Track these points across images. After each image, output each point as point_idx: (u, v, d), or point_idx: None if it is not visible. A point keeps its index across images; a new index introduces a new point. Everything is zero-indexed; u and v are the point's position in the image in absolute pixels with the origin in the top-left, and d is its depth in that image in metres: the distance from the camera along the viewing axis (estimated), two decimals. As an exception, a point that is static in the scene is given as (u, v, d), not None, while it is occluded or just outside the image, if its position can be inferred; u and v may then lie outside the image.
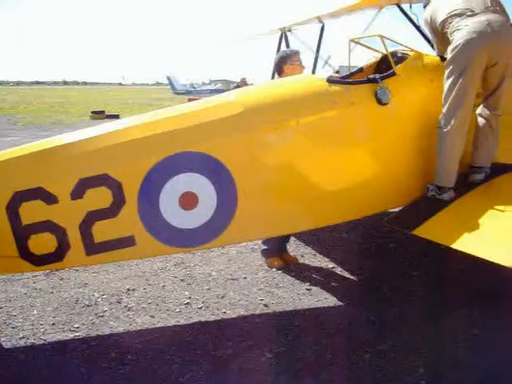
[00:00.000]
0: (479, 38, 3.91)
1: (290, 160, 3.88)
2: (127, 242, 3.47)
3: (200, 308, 4.53)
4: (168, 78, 55.72)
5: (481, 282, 4.66)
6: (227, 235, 3.72)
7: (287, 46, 7.66)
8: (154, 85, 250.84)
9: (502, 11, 4.16)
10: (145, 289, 4.95)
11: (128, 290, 4.91)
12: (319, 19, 7.18)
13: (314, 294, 4.83)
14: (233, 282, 5.12)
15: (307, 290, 4.92)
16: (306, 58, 7.14)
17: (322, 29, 7.30)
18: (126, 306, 4.56)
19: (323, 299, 4.71)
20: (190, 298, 4.75)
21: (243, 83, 15.62)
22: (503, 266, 3.18)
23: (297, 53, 5.45)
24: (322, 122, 3.94)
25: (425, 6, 4.60)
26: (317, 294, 4.83)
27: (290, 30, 7.72)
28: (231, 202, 3.67)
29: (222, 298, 4.75)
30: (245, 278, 5.24)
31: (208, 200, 3.59)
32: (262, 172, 3.81)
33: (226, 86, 45.01)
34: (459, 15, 4.10)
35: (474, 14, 4.03)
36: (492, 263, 3.23)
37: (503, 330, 3.97)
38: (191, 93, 49.47)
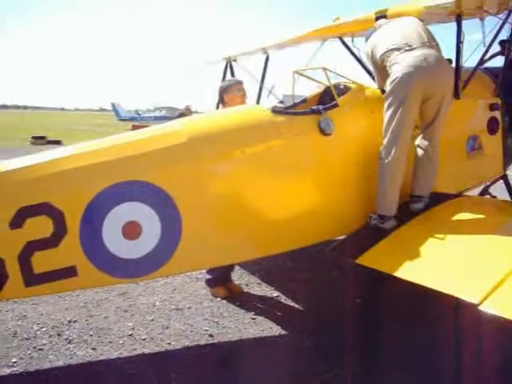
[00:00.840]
0: (415, 72, 4.04)
1: (236, 190, 3.89)
2: (69, 272, 3.38)
3: (144, 339, 4.45)
4: (112, 104, 55.05)
5: (422, 308, 4.74)
6: (172, 265, 3.67)
7: (232, 75, 7.74)
8: (97, 110, 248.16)
9: (437, 46, 4.34)
10: (86, 320, 4.82)
11: (69, 321, 4.77)
12: (264, 50, 7.30)
13: (259, 323, 4.81)
14: (177, 312, 5.05)
15: (252, 319, 4.90)
16: (251, 88, 7.26)
17: (267, 59, 7.41)
18: (66, 339, 4.42)
19: (268, 328, 4.70)
20: (133, 329, 4.65)
21: (187, 111, 15.69)
22: (444, 293, 3.25)
23: (238, 83, 5.51)
24: (267, 152, 3.98)
25: (366, 40, 4.74)
26: (262, 323, 4.81)
27: (235, 60, 7.81)
28: (176, 231, 3.63)
29: (167, 328, 4.68)
30: (189, 307, 5.17)
31: (152, 229, 3.54)
32: (208, 202, 3.79)
33: (171, 113, 44.87)
34: (397, 49, 4.24)
35: (411, 49, 4.17)
36: (433, 290, 3.30)
37: (444, 355, 4.05)
38: (136, 119, 49.03)
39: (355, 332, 4.46)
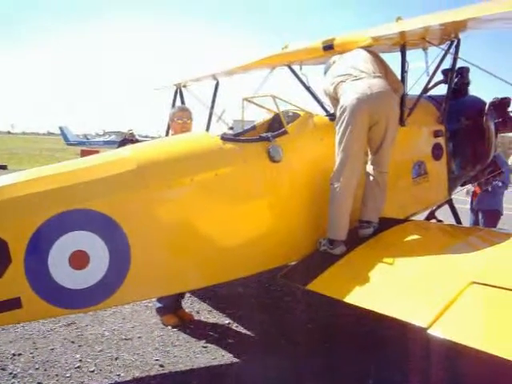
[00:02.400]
0: (360, 100, 4.20)
1: (185, 217, 3.87)
2: (13, 304, 3.28)
3: (92, 371, 4.33)
4: (60, 129, 54.05)
5: (372, 332, 4.79)
6: (121, 294, 3.61)
7: (182, 101, 7.74)
8: (45, 134, 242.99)
9: (385, 76, 4.50)
10: (32, 353, 4.66)
11: (13, 354, 4.60)
12: (214, 77, 7.34)
13: (211, 351, 4.76)
14: (127, 342, 4.94)
15: (203, 347, 4.84)
16: (202, 114, 7.28)
17: (217, 86, 7.45)
18: (10, 373, 4.26)
19: (220, 357, 4.65)
20: (81, 360, 4.52)
21: (130, 136, 15.52)
22: (393, 318, 3.29)
23: (180, 110, 5.54)
24: (216, 179, 3.97)
25: (325, 73, 4.90)
26: (213, 351, 4.76)
27: (185, 86, 7.82)
28: (125, 260, 3.57)
29: (116, 359, 4.57)
30: (139, 337, 5.08)
31: (100, 259, 3.48)
32: (157, 229, 3.75)
33: (121, 137, 44.51)
34: (345, 80, 4.44)
35: (357, 79, 4.36)
36: (382, 315, 3.34)
37: (396, 378, 4.10)
38: (84, 144, 48.34)
39: (308, 358, 4.48)
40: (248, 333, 5.23)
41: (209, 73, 7.33)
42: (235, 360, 4.59)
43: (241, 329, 5.32)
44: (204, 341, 4.98)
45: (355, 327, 5.00)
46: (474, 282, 3.36)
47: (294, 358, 4.52)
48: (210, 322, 5.54)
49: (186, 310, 5.71)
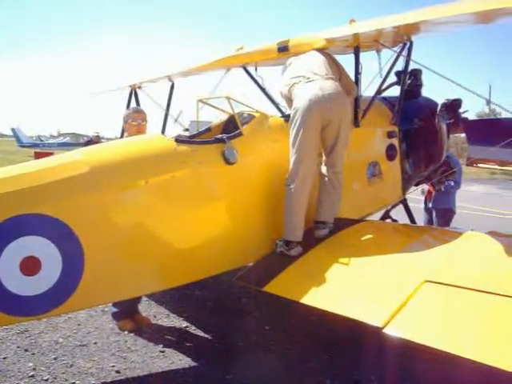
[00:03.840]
0: (312, 102, 4.25)
1: (140, 220, 3.81)
2: (-40, 312, 3.18)
3: (46, 380, 4.22)
4: (13, 130, 52.72)
5: (331, 333, 4.82)
6: (75, 300, 3.52)
7: (137, 102, 7.67)
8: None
9: (339, 79, 4.57)
10: (-17, 363, 4.51)
11: (-37, 365, 4.45)
12: (169, 78, 7.29)
13: (168, 355, 4.70)
14: (82, 349, 4.83)
15: (161, 352, 4.78)
16: (157, 115, 7.22)
17: (172, 87, 7.40)
18: (-40, 385, 4.12)
19: (178, 361, 4.60)
20: (34, 369, 4.40)
21: (96, 138, 15.23)
22: (350, 318, 3.32)
23: (135, 112, 5.47)
24: (171, 181, 3.94)
25: (282, 74, 4.94)
26: (171, 355, 4.71)
27: (139, 87, 7.74)
28: (78, 265, 3.50)
29: (71, 366, 4.46)
30: (95, 343, 4.97)
31: (52, 264, 3.39)
32: (111, 233, 3.69)
33: (76, 139, 43.75)
34: (299, 82, 4.50)
35: (310, 81, 4.42)
36: (339, 315, 3.37)
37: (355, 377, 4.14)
38: (38, 146, 47.24)
39: (267, 359, 4.48)
40: (206, 336, 5.19)
41: (164, 74, 7.28)
42: (193, 364, 4.55)
43: (199, 332, 5.28)
44: (161, 345, 4.92)
45: (315, 328, 5.02)
46: (428, 281, 3.42)
47: (252, 360, 4.51)
48: (168, 325, 5.48)
49: (143, 315, 5.63)
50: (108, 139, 19.15)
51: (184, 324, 5.49)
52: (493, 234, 4.08)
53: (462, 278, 3.40)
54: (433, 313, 3.29)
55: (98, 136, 15.09)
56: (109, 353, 4.75)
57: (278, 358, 4.55)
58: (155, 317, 5.70)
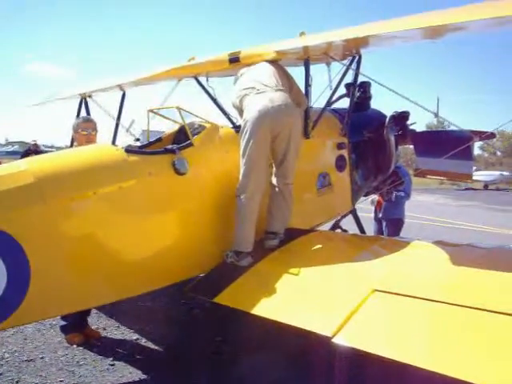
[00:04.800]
0: (262, 113, 4.29)
1: (88, 231, 3.76)
2: None
3: (-11, 398, 4.10)
4: (-43, 137, 51.10)
5: (284, 342, 4.82)
6: (21, 314, 3.44)
7: (87, 111, 7.55)
8: None
9: (289, 90, 4.62)
10: None
11: None
12: (120, 87, 7.21)
13: (118, 369, 4.64)
14: (29, 364, 4.72)
15: (111, 365, 4.71)
16: (107, 125, 7.13)
17: (123, 96, 7.33)
18: None
19: (128, 374, 4.55)
20: (-24, 387, 4.27)
21: (34, 146, 14.93)
22: (303, 329, 3.34)
23: (85, 121, 5.43)
24: (120, 192, 3.90)
25: (234, 85, 4.96)
26: (121, 369, 4.65)
27: (90, 96, 7.63)
28: (24, 277, 3.42)
29: (17, 382, 4.36)
30: (42, 358, 4.87)
31: (-4, 277, 3.30)
32: (58, 245, 3.62)
33: (24, 147, 42.71)
34: (249, 93, 4.53)
35: (260, 92, 4.46)
36: (292, 326, 3.38)
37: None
38: (-16, 154, 45.91)
39: (219, 370, 4.46)
40: (157, 348, 5.15)
41: (115, 83, 7.19)
42: (144, 377, 4.50)
43: (150, 344, 5.22)
44: (111, 358, 4.85)
45: (266, 338, 5.02)
46: (376, 290, 3.47)
47: (203, 371, 4.49)
48: (118, 338, 5.40)
49: (93, 327, 5.54)
50: (58, 148, 18.82)
51: (134, 336, 5.42)
52: (439, 243, 4.18)
53: (409, 286, 3.47)
54: (381, 321, 3.34)
55: (36, 144, 14.76)
56: (56, 367, 4.66)
57: (229, 369, 4.54)
58: (105, 329, 5.62)
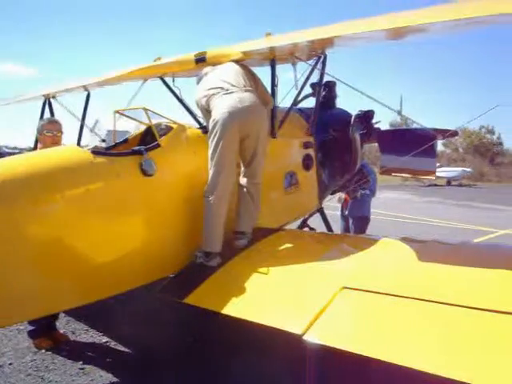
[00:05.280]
0: (231, 114, 4.31)
1: (55, 235, 3.70)
2: None
3: (-44, 405, 4.03)
4: None
5: (253, 342, 4.84)
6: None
7: (51, 112, 7.46)
8: None
9: (256, 90, 4.64)
10: None
11: None
12: (85, 87, 7.14)
13: (88, 372, 4.61)
14: (-4, 371, 4.64)
15: (80, 369, 4.69)
16: (72, 126, 7.05)
17: (88, 97, 7.26)
18: None
19: (98, 377, 4.53)
20: None
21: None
22: (275, 328, 3.36)
23: (49, 123, 5.38)
24: (88, 194, 3.85)
25: (197, 84, 4.94)
26: (91, 372, 4.62)
27: (54, 97, 7.53)
28: None
29: (-16, 390, 4.29)
30: (10, 364, 4.81)
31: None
32: (23, 249, 3.56)
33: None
34: (217, 93, 4.52)
35: (228, 92, 4.46)
36: (263, 325, 3.41)
37: None
38: None
39: (190, 371, 4.46)
40: (127, 350, 5.12)
41: (79, 83, 7.12)
42: (114, 379, 4.49)
43: (119, 346, 5.20)
44: (81, 362, 4.81)
45: (237, 338, 5.03)
46: (345, 287, 3.53)
47: (173, 372, 4.49)
48: (87, 341, 5.37)
49: (61, 331, 5.49)
50: (21, 150, 18.54)
51: (104, 339, 5.40)
52: (405, 239, 4.27)
53: (377, 283, 3.53)
54: (351, 318, 3.40)
55: None
56: (25, 373, 4.61)
57: (200, 369, 4.55)
58: (74, 333, 5.57)
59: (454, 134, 6.21)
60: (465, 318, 3.02)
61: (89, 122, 7.20)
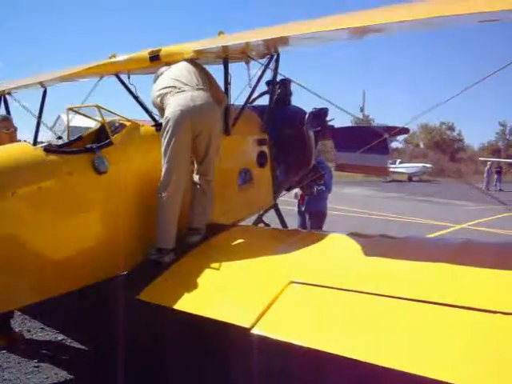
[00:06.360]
0: (183, 112, 4.38)
1: (7, 232, 3.70)
2: None
3: None
4: None
5: (208, 337, 4.89)
6: None
7: (7, 109, 7.37)
8: None
9: (209, 89, 4.71)
10: None
11: None
12: (41, 84, 7.08)
13: (44, 370, 4.62)
14: (-50, 371, 4.59)
15: (35, 367, 4.69)
16: (28, 123, 6.99)
17: (45, 93, 7.20)
18: None
19: (53, 375, 4.54)
20: None
21: None
22: (223, 322, 3.44)
23: (6, 119, 5.39)
24: (40, 192, 3.86)
25: (154, 83, 4.98)
26: (46, 370, 4.63)
27: (9, 93, 7.45)
28: None
29: None
30: (-35, 363, 4.75)
31: None
32: None
33: None
34: (170, 92, 4.58)
35: (181, 91, 4.52)
36: (217, 321, 3.48)
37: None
38: None
39: (145, 368, 4.50)
40: (82, 348, 5.13)
41: (36, 80, 7.06)
42: (70, 377, 4.51)
43: (75, 344, 5.21)
44: (36, 360, 4.81)
45: (194, 332, 5.07)
46: (293, 282, 3.62)
47: (131, 370, 4.50)
48: (43, 339, 5.36)
49: (16, 330, 5.46)
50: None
51: (60, 337, 5.40)
52: (353, 235, 4.37)
53: (324, 277, 3.64)
54: (298, 312, 3.49)
55: None
56: (-20, 373, 4.57)
57: (155, 366, 4.60)
58: (29, 331, 5.56)
59: (404, 131, 6.33)
60: (409, 310, 3.14)
61: (52, 118, 7.14)
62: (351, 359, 2.87)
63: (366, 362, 2.82)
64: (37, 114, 7.20)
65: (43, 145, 4.26)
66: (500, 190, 35.43)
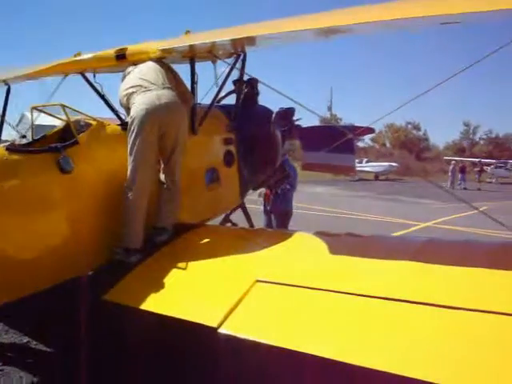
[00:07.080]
0: (149, 111, 4.38)
1: None
2: None
3: None
4: None
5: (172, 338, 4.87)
6: None
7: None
8: None
9: (175, 88, 4.71)
10: None
11: None
12: (5, 82, 6.96)
13: (8, 373, 4.57)
14: None
15: (0, 370, 4.60)
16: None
17: (8, 91, 7.08)
18: None
19: (18, 378, 4.47)
20: None
21: None
22: (190, 322, 3.45)
23: None
24: (2, 192, 3.80)
25: (122, 81, 4.98)
26: (11, 373, 4.59)
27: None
28: None
29: None
30: None
31: None
32: None
33: None
34: (136, 91, 4.58)
35: (147, 90, 4.52)
36: (184, 320, 3.48)
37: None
38: None
39: (112, 370, 4.47)
40: (48, 350, 5.06)
41: (-1, 77, 6.94)
42: (34, 380, 4.44)
43: (40, 346, 5.15)
44: (1, 363, 4.74)
45: (160, 333, 5.04)
46: (258, 281, 3.65)
47: (99, 373, 4.47)
48: (7, 342, 5.27)
49: (-19, 333, 5.36)
50: None
51: (25, 339, 5.31)
52: (319, 233, 4.42)
53: (289, 276, 3.69)
54: (264, 310, 3.52)
55: None
56: None
57: (122, 368, 4.55)
58: (-6, 333, 5.45)
59: (368, 130, 6.43)
60: (374, 308, 3.20)
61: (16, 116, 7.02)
62: (318, 357, 2.91)
63: (333, 360, 2.86)
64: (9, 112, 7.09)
65: (6, 144, 4.20)
66: (464, 188, 36.11)
